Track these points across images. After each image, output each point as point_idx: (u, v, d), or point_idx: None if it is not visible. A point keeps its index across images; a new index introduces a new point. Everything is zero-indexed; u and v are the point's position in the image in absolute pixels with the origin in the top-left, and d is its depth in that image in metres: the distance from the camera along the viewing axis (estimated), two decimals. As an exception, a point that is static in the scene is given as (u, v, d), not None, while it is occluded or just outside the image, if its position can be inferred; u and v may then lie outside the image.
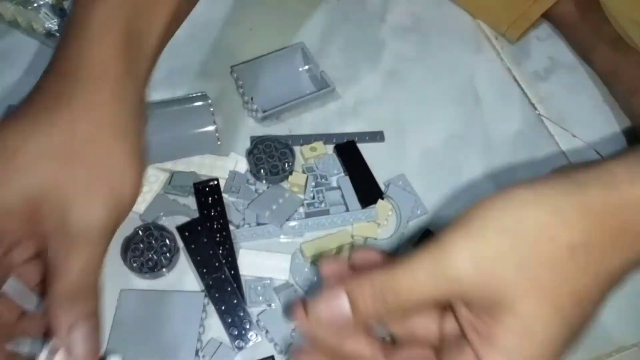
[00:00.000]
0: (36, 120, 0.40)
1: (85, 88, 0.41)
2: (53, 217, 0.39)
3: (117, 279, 0.66)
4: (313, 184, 0.74)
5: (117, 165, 0.42)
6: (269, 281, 0.67)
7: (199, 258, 0.67)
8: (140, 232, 0.68)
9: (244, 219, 0.71)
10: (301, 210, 0.73)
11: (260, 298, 0.66)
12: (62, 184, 0.39)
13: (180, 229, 0.69)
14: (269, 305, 0.65)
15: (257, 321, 0.64)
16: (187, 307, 0.64)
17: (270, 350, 0.63)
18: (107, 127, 0.42)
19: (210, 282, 0.66)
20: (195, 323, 0.62)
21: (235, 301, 0.65)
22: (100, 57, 0.43)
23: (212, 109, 0.76)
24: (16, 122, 0.40)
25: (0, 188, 0.38)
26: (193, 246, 0.68)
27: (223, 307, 0.65)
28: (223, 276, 0.66)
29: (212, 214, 0.70)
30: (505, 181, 0.78)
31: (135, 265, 0.66)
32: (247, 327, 0.63)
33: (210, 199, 0.72)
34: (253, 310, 0.65)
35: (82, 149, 0.40)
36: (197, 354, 0.61)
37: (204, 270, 0.66)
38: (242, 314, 0.64)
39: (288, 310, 0.64)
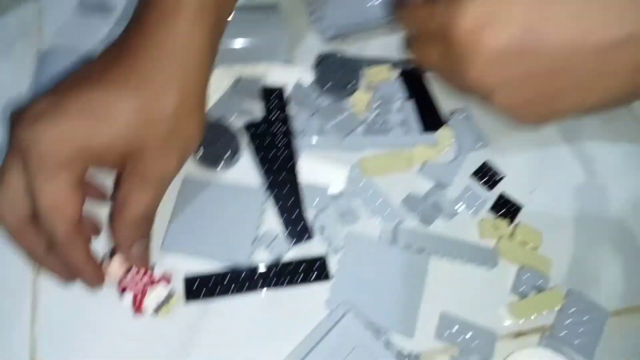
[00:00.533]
0: (130, 82, 0.48)
1: (177, 59, 0.50)
2: (134, 163, 0.50)
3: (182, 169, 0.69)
4: (375, 104, 0.75)
5: (191, 126, 0.54)
6: (326, 188, 0.69)
7: (262, 155, 0.69)
8: (207, 128, 0.70)
9: (305, 130, 0.72)
10: (360, 130, 0.73)
11: (317, 202, 0.68)
12: (147, 139, 0.49)
13: (247, 126, 0.71)
14: (326, 209, 0.67)
15: (314, 221, 0.66)
16: (247, 202, 0.66)
17: (322, 250, 0.65)
18: (190, 98, 0.52)
19: (271, 180, 0.68)
20: (254, 217, 0.65)
21: (293, 201, 0.67)
22: (189, 31, 0.50)
23: (283, 20, 0.76)
24: (112, 79, 0.48)
25: (107, 130, 0.48)
26: (257, 143, 0.70)
27: (281, 204, 0.67)
28: (283, 176, 0.68)
29: (276, 119, 0.72)
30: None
31: (197, 157, 0.68)
32: (303, 226, 0.66)
33: (274, 105, 0.73)
34: (310, 214, 0.67)
35: (168, 114, 0.50)
36: (252, 243, 0.63)
37: (266, 168, 0.68)
38: (299, 213, 0.66)
39: (343, 215, 0.66)
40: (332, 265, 0.65)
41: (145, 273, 0.60)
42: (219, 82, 0.74)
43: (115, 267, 0.59)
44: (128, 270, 0.60)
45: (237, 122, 0.73)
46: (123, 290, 0.59)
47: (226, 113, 0.73)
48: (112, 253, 0.60)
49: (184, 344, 0.59)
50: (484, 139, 0.74)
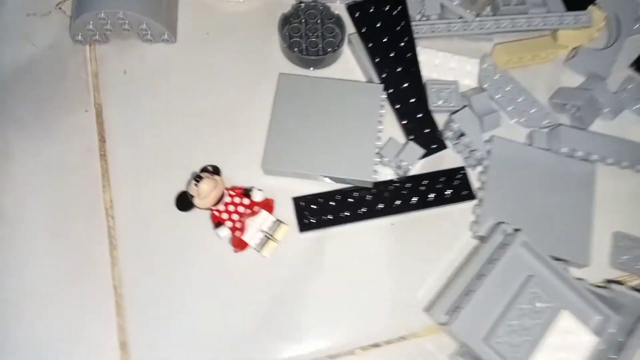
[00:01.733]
0: None
1: None
2: None
3: (272, 66, 0.55)
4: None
5: None
6: (454, 85, 0.54)
7: (372, 45, 0.54)
8: (299, 11, 0.55)
9: (422, 10, 0.56)
10: (489, 10, 0.58)
11: (444, 101, 0.54)
12: None
13: (351, 8, 0.55)
14: (462, 108, 0.53)
15: (448, 122, 0.52)
16: (363, 100, 0.52)
17: (458, 161, 0.52)
18: None
19: (386, 75, 0.53)
20: (373, 119, 0.51)
21: (415, 100, 0.53)
22: None
23: None
24: None
25: None
26: (365, 30, 0.55)
27: (400, 106, 0.53)
28: (401, 69, 0.54)
29: (386, -1, 0.56)
30: None
31: (295, 50, 0.54)
32: (433, 133, 0.52)
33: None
34: (438, 117, 0.53)
35: None
36: (374, 156, 0.50)
37: (379, 60, 0.54)
38: (426, 116, 0.53)
39: (482, 117, 0.52)
40: (473, 181, 0.52)
41: (241, 200, 0.48)
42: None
43: (205, 189, 0.46)
44: (220, 198, 0.47)
45: (337, 3, 0.57)
46: (218, 222, 0.47)
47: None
48: (198, 177, 0.46)
49: (297, 292, 0.48)
50: (644, 19, 0.59)
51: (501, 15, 0.57)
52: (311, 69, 0.55)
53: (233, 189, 0.48)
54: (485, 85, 0.56)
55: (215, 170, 0.49)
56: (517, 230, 0.46)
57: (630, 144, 0.53)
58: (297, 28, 0.55)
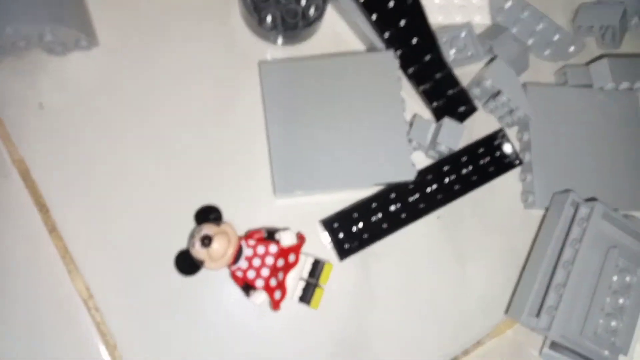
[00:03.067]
0: None
1: None
2: None
3: (249, 49, 0.41)
4: None
5: None
6: (467, 28, 0.44)
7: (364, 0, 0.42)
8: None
9: None
10: None
11: (458, 52, 0.44)
12: None
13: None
14: (491, 60, 0.43)
15: (481, 81, 0.42)
16: (378, 76, 0.40)
17: (494, 124, 0.44)
18: None
19: (390, 35, 0.42)
20: (395, 96, 0.40)
21: (429, 58, 0.42)
22: None
23: None
24: None
25: None
26: (355, -21, 0.42)
27: (415, 70, 0.42)
28: (405, 23, 0.42)
29: None
30: None
31: (269, 22, 0.40)
32: (456, 92, 0.43)
33: None
34: (459, 72, 0.43)
35: None
36: (408, 146, 0.40)
37: (377, 17, 0.42)
38: (443, 75, 0.43)
39: (513, 62, 0.43)
40: (514, 141, 0.44)
41: (267, 250, 0.37)
42: None
43: (219, 250, 0.35)
44: (238, 255, 0.36)
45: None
46: (242, 283, 0.37)
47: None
48: (207, 238, 0.35)
49: (352, 324, 0.40)
50: None
51: None
52: (288, 43, 0.42)
53: (251, 235, 0.37)
54: (499, 19, 0.46)
55: (216, 216, 0.38)
56: (592, 200, 0.39)
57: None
58: (264, -5, 0.40)
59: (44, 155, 0.38)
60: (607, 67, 0.43)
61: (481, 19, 0.46)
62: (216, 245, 0.35)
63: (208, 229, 0.35)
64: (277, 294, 0.37)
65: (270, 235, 0.37)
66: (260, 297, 0.36)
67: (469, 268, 0.42)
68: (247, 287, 0.36)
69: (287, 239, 0.37)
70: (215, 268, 0.36)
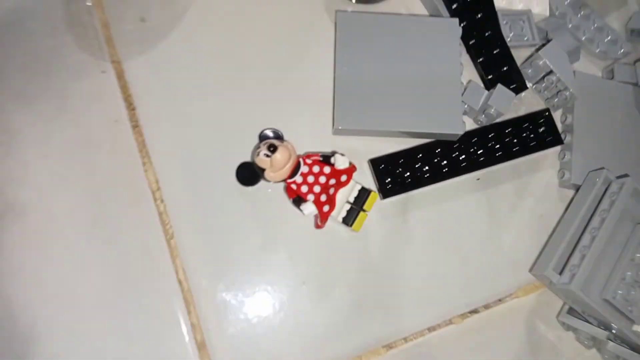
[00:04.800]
0: None
1: None
2: None
3: (330, 2, 0.46)
4: None
5: None
6: (526, 15, 0.48)
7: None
8: None
9: None
10: None
11: (516, 35, 0.48)
12: None
13: None
14: (547, 41, 0.47)
15: (535, 60, 0.46)
16: (439, 38, 0.44)
17: (541, 104, 0.48)
18: None
19: (456, 6, 0.46)
20: (454, 60, 0.44)
21: (489, 35, 0.46)
22: None
23: None
24: None
25: None
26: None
27: (475, 42, 0.46)
28: (472, 0, 0.47)
29: None
30: None
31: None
32: (514, 71, 0.46)
33: None
34: (514, 53, 0.47)
35: None
36: (460, 104, 0.44)
37: (449, -8, 0.46)
38: (500, 51, 0.46)
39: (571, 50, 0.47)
40: (557, 123, 0.48)
41: (321, 169, 0.41)
42: None
43: (280, 160, 0.39)
44: (295, 170, 0.40)
45: None
46: (295, 196, 0.40)
47: None
48: (272, 146, 0.39)
49: (388, 265, 0.43)
50: None
51: None
52: (371, 2, 0.47)
53: (309, 156, 0.41)
54: (557, 12, 0.50)
55: (277, 135, 0.42)
56: (624, 177, 0.42)
57: None
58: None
59: (138, 62, 0.43)
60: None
61: (541, 10, 0.50)
62: (279, 155, 0.39)
63: (275, 141, 0.40)
64: (326, 208, 0.40)
65: (325, 159, 0.41)
66: (309, 207, 0.40)
67: (500, 229, 0.45)
68: (299, 200, 0.40)
69: (341, 162, 0.40)
70: (274, 179, 0.40)
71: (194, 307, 0.40)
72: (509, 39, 0.48)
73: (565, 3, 0.50)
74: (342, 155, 0.41)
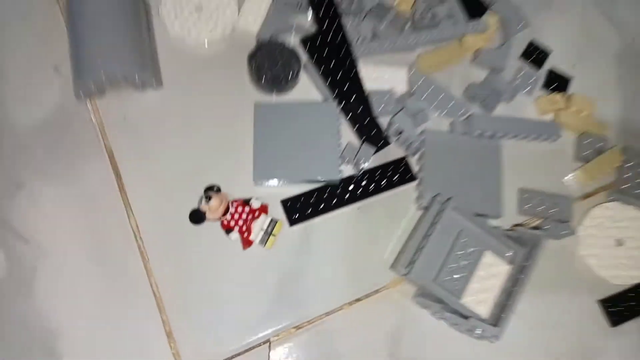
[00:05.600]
0: None
1: None
2: None
3: (248, 96, 0.68)
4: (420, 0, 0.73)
5: None
6: (390, 93, 0.69)
7: (323, 68, 0.68)
8: (262, 48, 0.68)
9: (359, 35, 0.70)
10: (409, 28, 0.73)
11: (384, 108, 0.69)
12: None
13: (303, 41, 0.69)
14: (399, 111, 0.68)
15: (391, 124, 0.67)
16: (323, 116, 0.66)
17: (402, 153, 0.68)
18: None
19: (337, 92, 0.68)
20: (334, 129, 0.65)
21: (361, 109, 0.68)
22: None
23: None
24: None
25: None
26: (316, 57, 0.69)
27: (351, 116, 0.68)
28: (348, 86, 0.68)
29: (330, 29, 0.70)
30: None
31: (262, 81, 0.67)
32: (378, 132, 0.67)
33: (325, 12, 0.70)
34: (381, 121, 0.69)
35: None
36: (339, 158, 0.65)
37: (330, 80, 0.68)
38: (371, 121, 0.68)
39: (415, 115, 0.68)
40: (414, 165, 0.68)
41: (243, 209, 0.62)
42: (260, 2, 0.71)
43: (215, 204, 0.60)
44: (226, 211, 0.61)
45: (291, 39, 0.71)
46: (227, 228, 0.61)
47: (278, 32, 0.70)
48: (209, 197, 0.60)
49: (295, 269, 0.63)
50: (525, 19, 0.75)
51: (419, 31, 0.72)
52: (280, 93, 0.69)
53: (235, 201, 0.62)
54: (414, 89, 0.71)
55: (218, 189, 0.63)
56: (449, 199, 0.62)
57: (525, 121, 0.70)
58: (262, 63, 0.68)
59: (123, 146, 0.65)
60: (472, 121, 0.67)
61: (402, 88, 0.71)
62: (214, 202, 0.60)
63: (211, 192, 0.60)
64: (245, 235, 0.61)
65: (246, 202, 0.62)
66: (234, 235, 0.61)
67: (374, 242, 0.65)
68: (229, 231, 0.61)
69: (255, 203, 0.62)
70: (212, 218, 0.61)
71: (164, 309, 0.60)
72: (378, 110, 0.69)
73: (420, 82, 0.71)
74: (257, 199, 0.62)
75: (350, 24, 0.71)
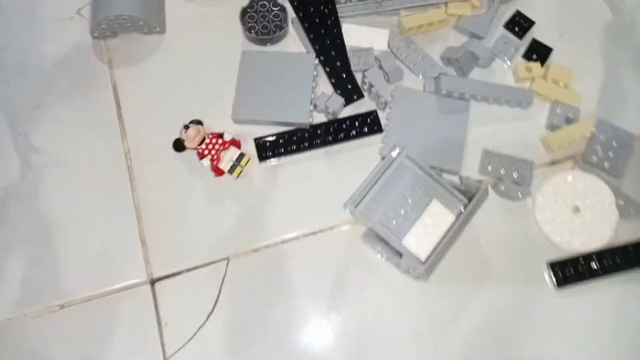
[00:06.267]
0: None
1: None
2: None
3: (237, 45, 0.75)
4: (408, -35, 0.77)
5: None
6: (369, 50, 0.74)
7: (307, 25, 0.74)
8: (254, 3, 0.75)
9: (345, -5, 0.76)
10: (397, -8, 0.77)
11: (362, 63, 0.74)
12: None
13: (291, -2, 0.76)
14: (369, 69, 0.73)
15: (363, 78, 0.72)
16: (301, 67, 0.72)
17: (373, 107, 0.73)
18: None
19: (318, 47, 0.74)
20: (308, 80, 0.71)
21: (340, 64, 0.73)
22: None
23: None
24: None
25: None
26: (302, 14, 0.74)
27: (330, 69, 0.73)
28: (330, 42, 0.74)
29: (317, -11, 0.75)
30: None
31: (252, 33, 0.74)
32: (354, 86, 0.72)
33: (314, -24, 0.76)
34: (357, 75, 0.74)
35: None
36: (310, 104, 0.71)
37: (313, 36, 0.74)
38: (348, 75, 0.73)
39: (389, 73, 0.72)
40: (382, 119, 0.72)
41: (217, 140, 0.69)
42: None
43: (191, 134, 0.68)
44: (202, 140, 0.69)
45: (281, -4, 0.78)
46: (202, 157, 0.69)
47: (269, -12, 0.77)
48: (186, 127, 0.68)
49: (260, 200, 0.70)
50: (515, -11, 0.77)
51: (405, -6, 0.76)
52: (268, 44, 0.75)
53: (211, 134, 0.70)
54: (394, 50, 0.75)
55: (199, 122, 0.71)
56: (404, 148, 0.66)
57: (496, 86, 0.72)
58: (253, 16, 0.75)
59: (125, 81, 0.75)
60: (440, 81, 0.71)
61: (380, 47, 0.75)
62: (190, 132, 0.67)
63: (190, 124, 0.68)
64: (215, 162, 0.68)
65: (220, 136, 0.69)
66: (206, 162, 0.68)
67: (338, 183, 0.70)
68: (202, 158, 0.69)
69: (227, 136, 0.69)
70: (190, 146, 0.68)
71: (142, 219, 0.69)
72: (356, 66, 0.74)
73: (401, 43, 0.75)
74: (229, 133, 0.69)
75: (337, -15, 0.76)
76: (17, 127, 0.74)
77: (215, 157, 0.69)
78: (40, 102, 0.75)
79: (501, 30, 0.77)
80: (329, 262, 0.68)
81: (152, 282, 0.67)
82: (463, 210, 0.64)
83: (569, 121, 0.71)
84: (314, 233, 0.69)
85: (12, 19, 0.79)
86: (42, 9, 0.79)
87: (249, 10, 0.75)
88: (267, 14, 0.75)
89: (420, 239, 0.64)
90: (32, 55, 0.77)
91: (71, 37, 0.77)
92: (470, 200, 0.64)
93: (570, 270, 0.67)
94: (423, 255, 0.63)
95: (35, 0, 0.79)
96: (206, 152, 0.69)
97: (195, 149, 0.69)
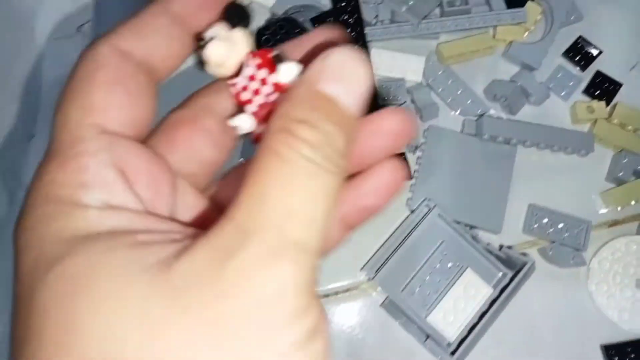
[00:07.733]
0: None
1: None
2: None
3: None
4: (452, -20, 0.66)
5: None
6: (400, 82, 0.64)
7: (331, 51, 0.65)
8: (273, 25, 0.66)
9: (377, 16, 0.66)
10: (437, 11, 0.66)
11: (391, 98, 0.64)
12: None
13: (314, 20, 0.66)
14: (402, 104, 0.63)
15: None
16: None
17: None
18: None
19: (342, 77, 0.64)
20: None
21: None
22: None
23: None
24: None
25: None
26: (325, 39, 0.65)
27: (354, 103, 0.64)
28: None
29: (345, 8, 0.66)
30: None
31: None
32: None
33: (340, -8, 0.66)
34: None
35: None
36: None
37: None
38: (373, 107, 0.63)
39: (422, 109, 0.62)
40: (412, 164, 0.63)
41: (268, 74, 0.26)
42: (276, -28, 0.68)
43: (209, 56, 0.25)
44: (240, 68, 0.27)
45: (303, 15, 0.68)
46: (241, 104, 0.28)
47: (290, 7, 0.67)
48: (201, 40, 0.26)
49: None
50: (578, 11, 0.65)
51: (446, 17, 0.66)
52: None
53: (260, 53, 0.26)
54: (430, 81, 0.65)
55: (240, 20, 0.26)
56: (435, 205, 0.57)
57: (550, 129, 0.62)
58: (269, 39, 0.66)
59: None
60: (483, 122, 0.60)
61: (415, 78, 0.65)
62: (209, 50, 0.26)
63: (214, 30, 0.27)
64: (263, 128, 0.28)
65: (278, 59, 0.28)
66: (242, 121, 0.28)
67: (359, 242, 0.61)
68: (240, 109, 0.28)
69: (286, 75, 0.27)
70: (217, 73, 0.27)
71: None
72: (384, 100, 0.64)
73: (438, 73, 0.65)
74: (291, 63, 0.26)
75: (367, 5, 0.66)
76: (5, 159, 0.68)
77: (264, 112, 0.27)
78: (34, 130, 0.68)
79: (559, 60, 0.65)
80: (343, 330, 0.60)
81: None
82: (504, 284, 0.54)
83: (637, 174, 0.60)
84: (326, 295, 0.61)
85: (7, 38, 0.73)
86: (40, 26, 0.72)
87: (265, 32, 0.66)
88: (285, 37, 0.66)
89: (450, 316, 0.55)
90: (28, 78, 0.71)
91: (71, 57, 0.70)
92: (514, 274, 0.54)
93: (631, 357, 0.56)
94: (452, 334, 0.54)
95: (32, 18, 0.72)
96: (245, 95, 0.27)
97: (230, 81, 0.27)
